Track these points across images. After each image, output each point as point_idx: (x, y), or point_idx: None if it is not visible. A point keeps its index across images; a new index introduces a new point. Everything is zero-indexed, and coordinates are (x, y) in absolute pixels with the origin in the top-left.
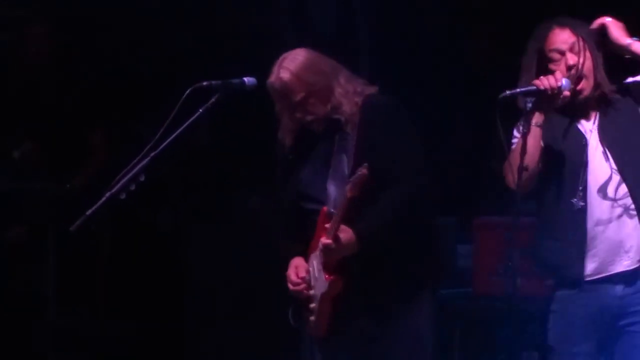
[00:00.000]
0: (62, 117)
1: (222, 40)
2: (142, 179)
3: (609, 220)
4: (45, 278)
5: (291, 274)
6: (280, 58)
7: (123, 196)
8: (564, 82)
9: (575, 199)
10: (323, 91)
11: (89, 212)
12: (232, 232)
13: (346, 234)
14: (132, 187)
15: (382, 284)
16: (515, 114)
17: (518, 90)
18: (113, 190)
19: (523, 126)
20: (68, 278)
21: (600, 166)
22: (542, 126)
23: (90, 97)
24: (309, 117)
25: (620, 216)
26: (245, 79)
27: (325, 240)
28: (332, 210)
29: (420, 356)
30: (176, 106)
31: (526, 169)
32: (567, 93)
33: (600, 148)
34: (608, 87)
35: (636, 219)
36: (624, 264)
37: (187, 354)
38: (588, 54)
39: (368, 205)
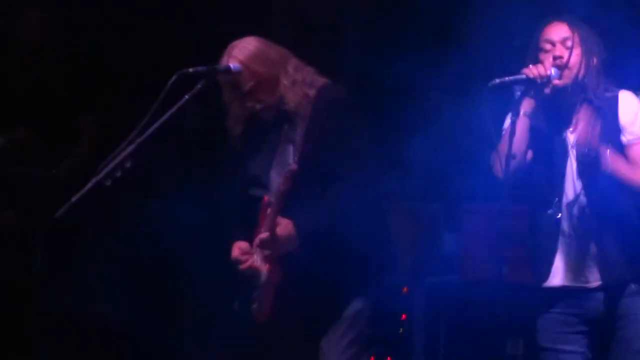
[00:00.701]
0: (54, 101)
1: (212, 25)
2: (128, 165)
3: (575, 236)
4: (34, 263)
5: (237, 254)
6: (230, 46)
7: (109, 183)
8: (553, 71)
9: (551, 210)
10: (270, 81)
11: (74, 198)
12: (218, 219)
13: (285, 228)
14: (118, 174)
15: (323, 278)
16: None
17: (507, 78)
18: (99, 177)
19: (512, 114)
20: (56, 263)
21: (572, 183)
22: (531, 116)
23: (82, 82)
24: (259, 106)
25: (584, 235)
26: (231, 64)
27: (262, 235)
28: (272, 200)
29: (356, 338)
30: (162, 93)
31: (514, 157)
32: (556, 82)
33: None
34: (594, 92)
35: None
36: (586, 281)
37: (171, 340)
38: (578, 51)
39: (314, 199)
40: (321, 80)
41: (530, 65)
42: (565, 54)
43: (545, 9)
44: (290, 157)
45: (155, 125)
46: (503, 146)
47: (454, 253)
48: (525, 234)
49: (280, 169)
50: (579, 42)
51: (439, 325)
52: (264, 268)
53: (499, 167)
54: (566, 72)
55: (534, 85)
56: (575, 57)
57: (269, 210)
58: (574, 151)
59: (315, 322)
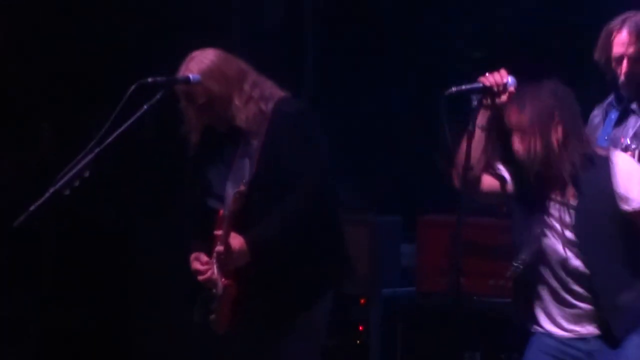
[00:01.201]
0: (11, 106)
1: (169, 33)
2: (87, 175)
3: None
4: None
5: (195, 265)
6: (189, 57)
7: (67, 192)
8: (510, 79)
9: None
10: (222, 99)
11: (32, 207)
12: (177, 227)
13: (237, 242)
14: (76, 183)
15: (278, 290)
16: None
17: (464, 87)
18: (57, 186)
19: (469, 125)
20: (14, 270)
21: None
22: (487, 128)
23: (39, 88)
24: (212, 121)
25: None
26: (190, 75)
27: (217, 248)
28: (226, 214)
29: (310, 346)
30: (121, 102)
31: (471, 168)
32: (512, 89)
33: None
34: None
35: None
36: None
37: (133, 347)
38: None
39: (267, 212)
40: (279, 94)
41: (487, 74)
42: None
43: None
44: (246, 171)
45: (114, 134)
46: (460, 157)
47: (412, 264)
48: (485, 246)
49: (236, 184)
50: None
51: (395, 336)
52: (220, 281)
53: (456, 178)
54: None
55: (490, 94)
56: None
57: (223, 226)
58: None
59: (271, 332)
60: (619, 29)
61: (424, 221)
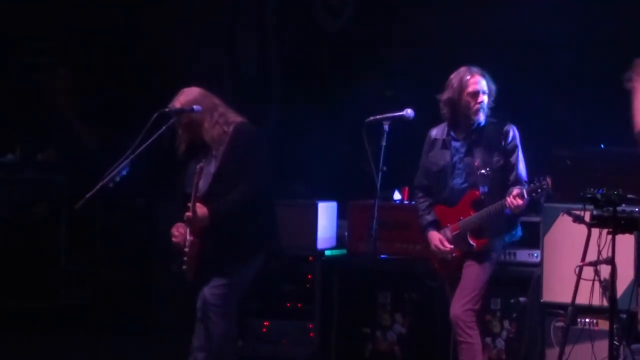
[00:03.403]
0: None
1: (174, 75)
2: (125, 173)
3: None
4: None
5: (173, 230)
6: (180, 91)
7: (111, 184)
8: (409, 111)
9: None
10: (196, 122)
11: (88, 195)
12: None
13: (201, 210)
14: (117, 179)
15: (225, 247)
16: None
17: (379, 117)
18: (104, 181)
19: (383, 141)
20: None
21: None
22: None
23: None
24: (191, 137)
25: None
26: (195, 106)
27: (187, 214)
28: (193, 187)
29: (236, 280)
30: (146, 124)
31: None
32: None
33: None
34: None
35: None
36: None
37: (155, 291)
38: None
39: (224, 195)
40: (238, 119)
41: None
42: None
43: None
44: (212, 169)
45: (143, 145)
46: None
47: (344, 234)
48: (393, 221)
49: (206, 178)
50: None
51: (332, 283)
52: (189, 239)
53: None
54: None
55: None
56: None
57: (192, 200)
58: None
59: (219, 276)
60: None
61: (353, 205)
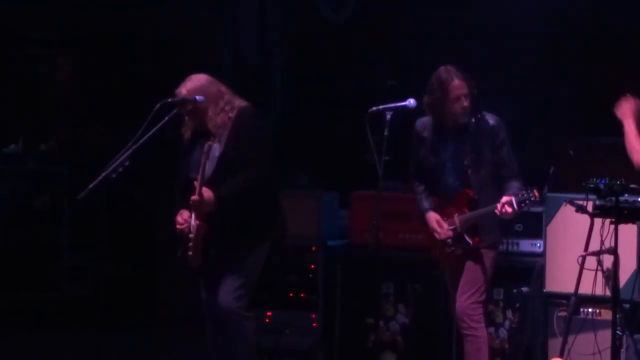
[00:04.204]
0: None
1: (175, 67)
2: (127, 164)
3: None
4: (61, 231)
5: (177, 218)
6: (188, 77)
7: (114, 175)
8: (412, 101)
9: None
10: (201, 109)
11: (90, 185)
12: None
13: (207, 193)
14: (120, 170)
15: (232, 232)
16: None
17: (381, 107)
18: (107, 172)
19: (385, 131)
20: (79, 231)
21: None
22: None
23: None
24: (196, 123)
25: None
26: (197, 97)
27: (193, 197)
28: (201, 169)
29: (250, 275)
30: (149, 115)
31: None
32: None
33: None
34: None
35: None
36: None
37: (159, 283)
38: None
39: (229, 180)
40: (242, 104)
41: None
42: None
43: None
44: (217, 154)
45: (146, 136)
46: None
47: (346, 224)
48: (395, 212)
49: (211, 163)
50: None
51: (335, 273)
52: (195, 223)
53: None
54: None
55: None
56: None
57: (199, 183)
58: None
59: (225, 264)
60: None
61: (355, 195)
